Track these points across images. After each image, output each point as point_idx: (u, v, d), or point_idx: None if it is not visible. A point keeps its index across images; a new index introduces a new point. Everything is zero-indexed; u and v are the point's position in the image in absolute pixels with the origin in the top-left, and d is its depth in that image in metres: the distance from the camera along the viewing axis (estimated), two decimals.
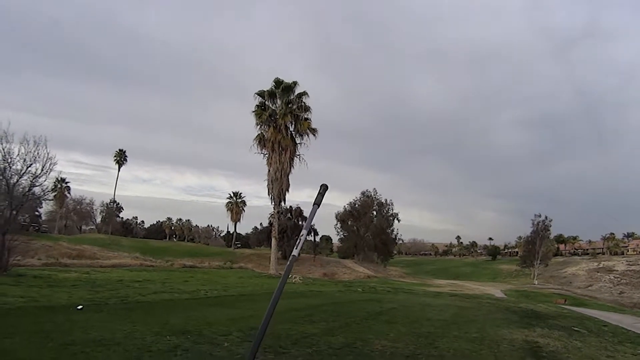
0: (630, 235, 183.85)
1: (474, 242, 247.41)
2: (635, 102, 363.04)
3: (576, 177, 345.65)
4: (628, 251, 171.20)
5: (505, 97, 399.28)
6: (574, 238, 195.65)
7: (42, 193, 30.47)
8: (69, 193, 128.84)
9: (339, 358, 11.96)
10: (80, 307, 16.82)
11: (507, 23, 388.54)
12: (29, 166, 27.63)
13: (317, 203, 1.89)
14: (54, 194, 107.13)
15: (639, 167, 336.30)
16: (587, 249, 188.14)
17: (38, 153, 27.76)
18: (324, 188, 1.93)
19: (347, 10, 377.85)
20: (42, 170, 28.14)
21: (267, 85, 65.09)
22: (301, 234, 1.78)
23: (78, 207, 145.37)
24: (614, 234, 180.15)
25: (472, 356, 13.60)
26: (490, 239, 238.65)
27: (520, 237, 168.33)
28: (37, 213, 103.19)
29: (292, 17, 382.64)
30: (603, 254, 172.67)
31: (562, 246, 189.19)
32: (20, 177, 27.62)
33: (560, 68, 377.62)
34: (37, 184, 28.59)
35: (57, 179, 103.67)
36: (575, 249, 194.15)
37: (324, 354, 12.34)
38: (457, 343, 15.39)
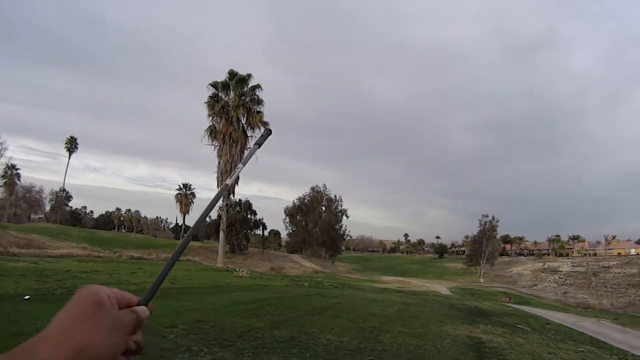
0: (575, 238, 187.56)
1: (422, 240, 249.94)
2: (587, 110, 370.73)
3: (526, 179, 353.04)
4: (573, 253, 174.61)
5: (462, 99, 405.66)
6: (520, 239, 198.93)
7: None
8: (19, 180, 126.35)
9: (284, 351, 12.00)
10: (27, 297, 16.59)
11: (467, 26, 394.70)
12: None
13: (259, 144, 1.90)
14: (4, 180, 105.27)
15: (588, 172, 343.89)
16: (533, 250, 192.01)
17: None
18: (267, 132, 1.96)
19: (309, 5, 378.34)
20: None
21: (223, 76, 64.82)
22: (237, 167, 1.79)
23: (27, 195, 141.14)
24: (559, 236, 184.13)
25: (415, 351, 13.72)
26: (437, 237, 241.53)
27: (467, 236, 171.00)
28: None
29: (253, 9, 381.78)
30: (548, 255, 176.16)
31: (508, 246, 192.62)
32: None
33: (516, 73, 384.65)
34: None
35: (7, 165, 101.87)
36: (521, 249, 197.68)
37: (268, 347, 12.38)
38: (401, 338, 15.55)
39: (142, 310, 1.21)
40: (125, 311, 1.16)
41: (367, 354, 12.67)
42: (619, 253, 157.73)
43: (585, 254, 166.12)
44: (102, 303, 1.08)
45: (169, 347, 11.40)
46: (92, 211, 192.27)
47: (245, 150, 63.36)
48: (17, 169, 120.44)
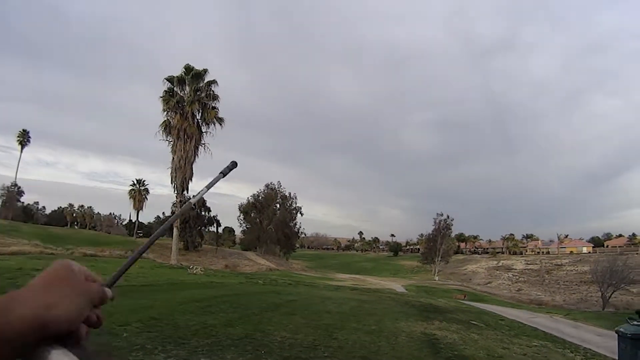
0: (529, 237, 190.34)
1: (377, 238, 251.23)
2: (544, 112, 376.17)
3: (480, 179, 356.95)
4: (527, 251, 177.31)
5: (418, 99, 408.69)
6: (475, 237, 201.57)
7: None
8: None
9: (239, 349, 11.93)
10: None
11: (426, 27, 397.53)
12: None
13: (223, 173, 1.86)
14: None
15: (543, 173, 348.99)
16: (487, 248, 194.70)
17: None
18: (233, 164, 1.91)
19: (269, 2, 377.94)
20: None
21: (179, 71, 64.25)
22: (201, 190, 1.74)
23: None
24: (513, 234, 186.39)
25: (370, 347, 13.82)
26: (392, 235, 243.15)
27: (422, 235, 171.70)
28: None
29: (213, 3, 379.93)
30: (502, 253, 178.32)
31: (463, 244, 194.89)
32: None
33: (474, 75, 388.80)
34: None
35: None
36: (475, 247, 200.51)
37: (223, 344, 12.31)
38: (355, 335, 15.60)
39: (108, 289, 1.25)
40: (93, 283, 1.21)
41: (322, 351, 12.68)
42: (571, 251, 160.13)
43: (538, 252, 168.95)
44: (74, 271, 1.17)
45: (122, 345, 11.24)
46: (44, 207, 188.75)
47: (200, 146, 63.13)
48: None
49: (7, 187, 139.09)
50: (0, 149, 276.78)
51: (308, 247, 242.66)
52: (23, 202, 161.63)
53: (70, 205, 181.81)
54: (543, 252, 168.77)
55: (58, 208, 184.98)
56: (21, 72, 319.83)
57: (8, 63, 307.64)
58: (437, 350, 14.51)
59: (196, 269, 49.72)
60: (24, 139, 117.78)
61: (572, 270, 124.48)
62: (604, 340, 24.50)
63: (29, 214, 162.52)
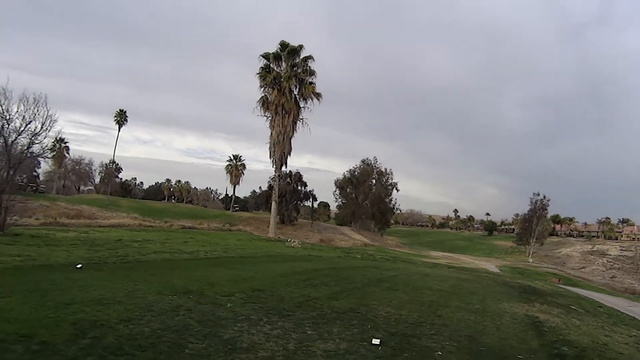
0: (625, 221, 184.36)
1: (471, 216, 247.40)
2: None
3: (576, 159, 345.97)
4: (622, 237, 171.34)
5: (514, 73, 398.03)
6: (570, 219, 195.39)
7: (41, 151, 29.75)
8: (67, 153, 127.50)
9: (344, 322, 11.96)
10: (79, 265, 16.79)
11: (522, 1, 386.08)
12: (28, 124, 26.96)
13: None
14: (52, 153, 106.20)
15: None
16: (582, 232, 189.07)
17: (38, 111, 27.10)
18: None
19: None
20: (41, 128, 27.47)
21: (274, 48, 64.37)
22: None
23: (77, 167, 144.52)
24: (609, 218, 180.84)
25: (475, 326, 13.65)
26: (487, 214, 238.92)
27: (517, 215, 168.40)
28: (35, 173, 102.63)
29: None
30: (598, 237, 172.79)
31: (557, 226, 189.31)
32: (18, 135, 26.98)
33: (570, 49, 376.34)
34: (36, 141, 27.90)
35: (56, 138, 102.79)
36: (570, 230, 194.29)
37: (328, 317, 12.38)
38: (459, 313, 15.50)
39: None
40: None
41: (427, 328, 12.62)
42: None
43: (634, 238, 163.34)
44: None
45: (226, 315, 11.40)
46: (141, 182, 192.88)
47: (298, 122, 63.48)
48: (65, 142, 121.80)
49: (106, 164, 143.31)
50: (98, 129, 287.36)
51: (402, 224, 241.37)
52: (121, 178, 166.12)
53: (168, 180, 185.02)
54: (639, 238, 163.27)
55: (155, 183, 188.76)
56: (120, 56, 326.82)
57: (106, 48, 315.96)
58: (542, 333, 14.21)
59: (294, 242, 50.12)
60: (121, 118, 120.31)
61: None
62: None
63: (127, 189, 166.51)
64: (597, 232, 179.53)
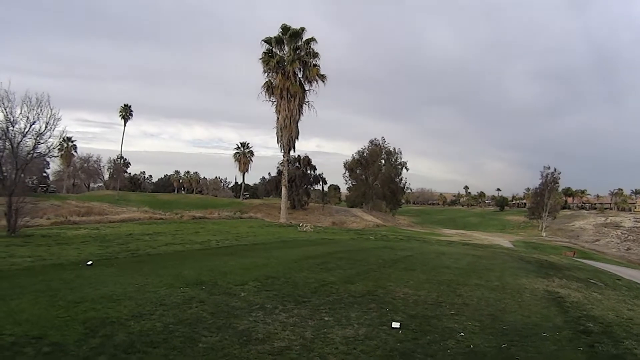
0: (638, 192, 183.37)
1: (482, 192, 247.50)
2: None
3: (587, 131, 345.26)
4: (636, 208, 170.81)
5: (520, 48, 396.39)
6: (582, 192, 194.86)
7: (47, 150, 29.60)
8: (75, 152, 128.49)
9: (362, 306, 11.70)
10: (90, 262, 16.58)
11: None
12: (32, 124, 26.85)
13: None
14: (60, 153, 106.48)
15: None
16: (595, 204, 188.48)
17: (41, 111, 27.01)
18: None
19: None
20: (45, 127, 27.38)
21: (276, 31, 64.35)
22: None
23: (85, 165, 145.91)
24: (622, 189, 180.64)
25: (496, 304, 13.34)
26: (498, 189, 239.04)
27: (528, 189, 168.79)
28: (44, 174, 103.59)
29: None
30: (610, 209, 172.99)
31: (570, 199, 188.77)
32: (24, 137, 26.88)
33: (575, 21, 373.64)
34: (41, 141, 27.80)
35: (63, 138, 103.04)
36: (583, 202, 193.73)
37: (345, 302, 12.13)
38: (479, 291, 15.24)
39: None
40: None
41: (447, 308, 12.35)
42: None
43: None
44: None
45: (240, 305, 11.16)
46: (150, 176, 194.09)
47: (304, 105, 63.45)
48: (73, 141, 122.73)
49: (114, 160, 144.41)
50: (105, 126, 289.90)
51: (413, 203, 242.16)
52: (130, 173, 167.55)
53: (177, 172, 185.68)
54: None
55: (164, 176, 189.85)
56: (122, 52, 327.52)
57: (108, 46, 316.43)
58: (565, 309, 13.84)
59: (306, 226, 49.91)
60: (126, 113, 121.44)
61: None
62: None
63: (136, 183, 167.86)
64: (610, 203, 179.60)
